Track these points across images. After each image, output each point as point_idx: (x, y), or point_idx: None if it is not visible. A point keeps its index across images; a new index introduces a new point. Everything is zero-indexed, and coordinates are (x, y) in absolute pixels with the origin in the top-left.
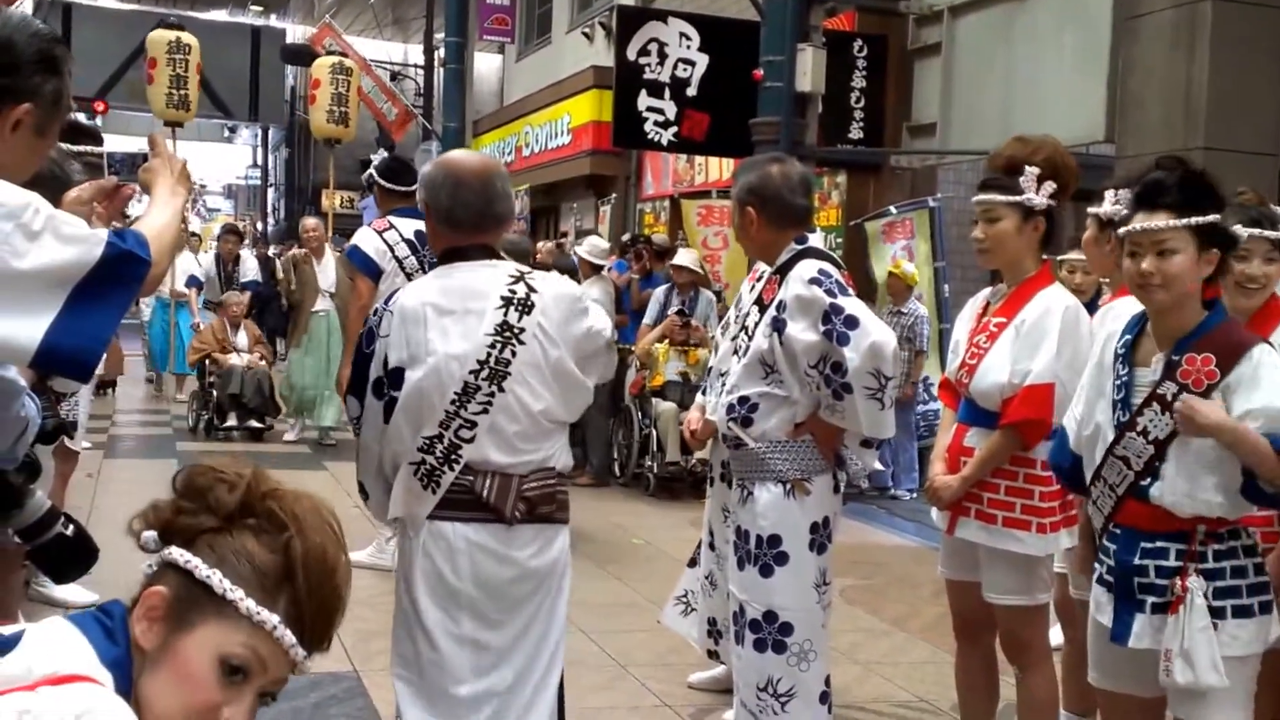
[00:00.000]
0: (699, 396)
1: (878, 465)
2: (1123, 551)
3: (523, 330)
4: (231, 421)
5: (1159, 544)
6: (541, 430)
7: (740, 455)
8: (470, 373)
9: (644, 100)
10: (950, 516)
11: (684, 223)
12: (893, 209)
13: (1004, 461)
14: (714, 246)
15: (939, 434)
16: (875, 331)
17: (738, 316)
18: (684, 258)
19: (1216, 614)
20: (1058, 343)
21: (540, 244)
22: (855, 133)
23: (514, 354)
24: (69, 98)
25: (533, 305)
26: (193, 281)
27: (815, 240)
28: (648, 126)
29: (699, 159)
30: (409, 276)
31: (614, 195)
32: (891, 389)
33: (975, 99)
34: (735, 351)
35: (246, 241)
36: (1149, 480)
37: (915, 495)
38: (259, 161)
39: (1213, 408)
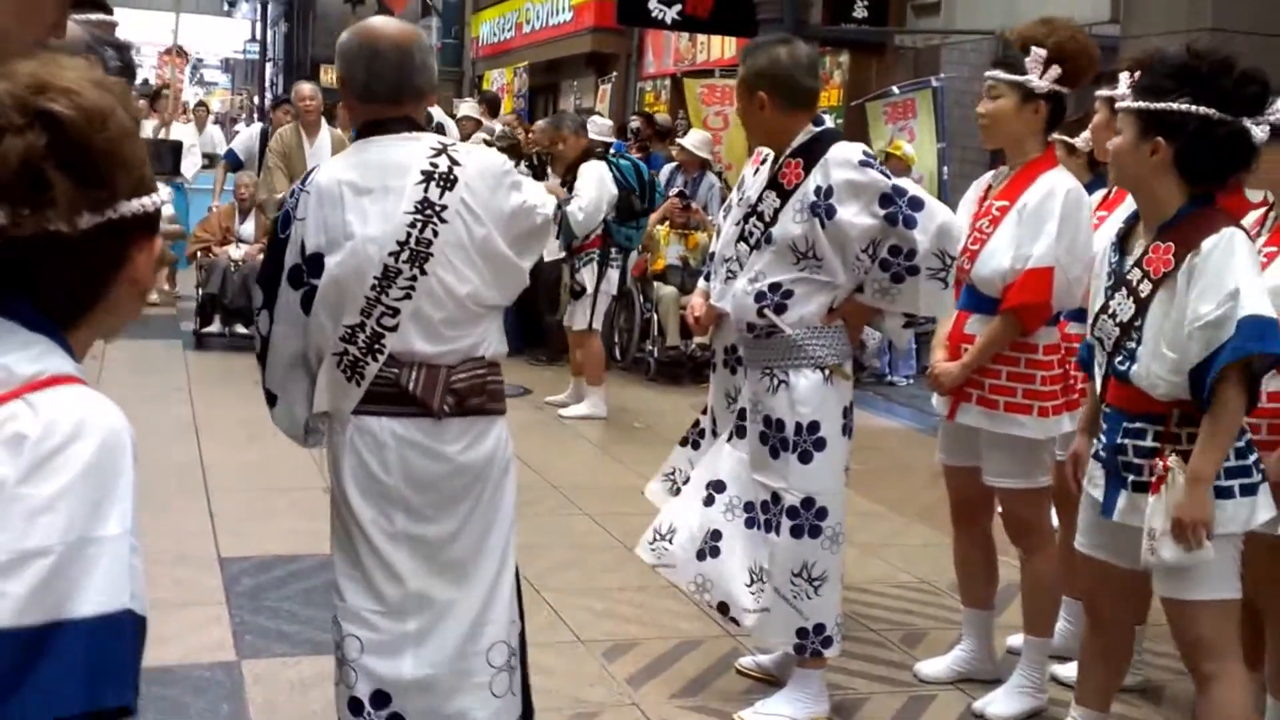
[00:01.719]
0: (701, 282)
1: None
2: (1110, 431)
3: (445, 208)
4: (215, 327)
5: (1138, 424)
6: (469, 315)
7: (770, 343)
8: (390, 255)
9: None
10: (951, 402)
11: (687, 102)
12: (895, 89)
13: (1004, 347)
14: (715, 126)
15: (939, 321)
16: (941, 213)
17: (741, 200)
18: (690, 140)
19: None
20: (1058, 226)
21: (538, 123)
22: (859, 11)
23: (435, 233)
24: None
25: (455, 180)
26: (230, 156)
27: (828, 123)
28: (652, 4)
29: (701, 37)
30: None
31: (615, 73)
32: (954, 268)
33: None
34: (743, 237)
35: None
36: (1125, 362)
37: (911, 380)
38: (257, 36)
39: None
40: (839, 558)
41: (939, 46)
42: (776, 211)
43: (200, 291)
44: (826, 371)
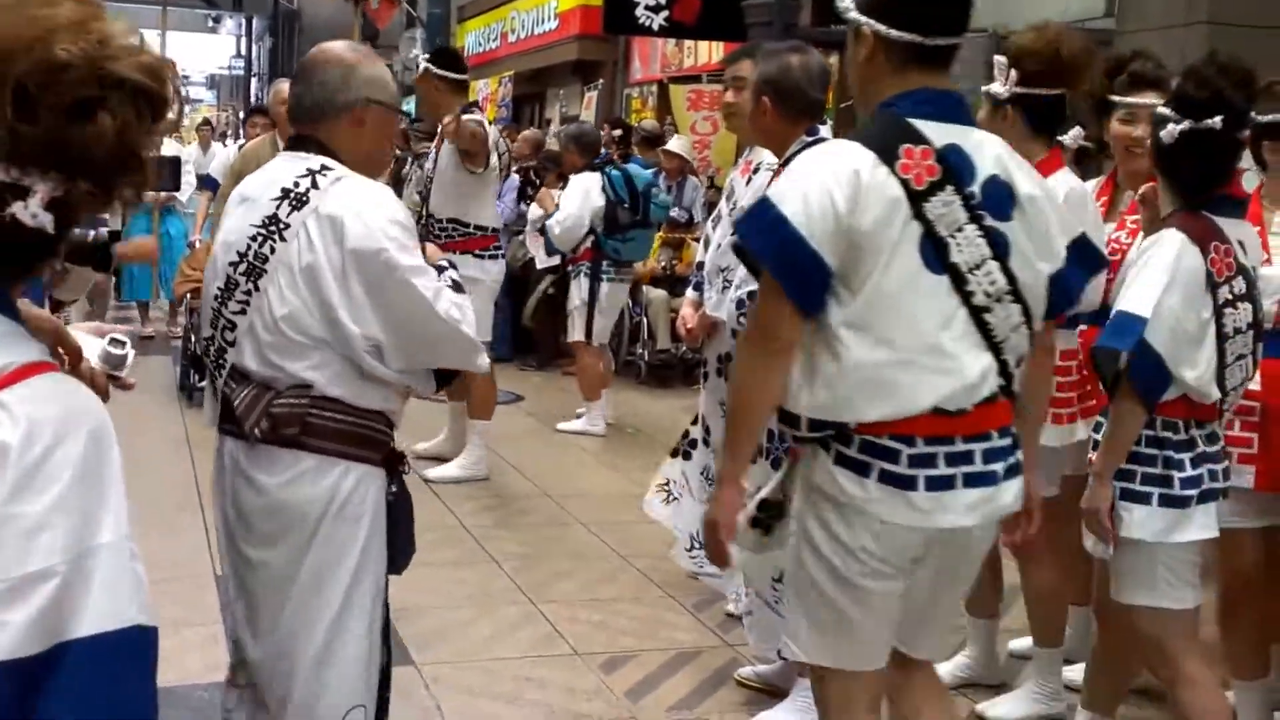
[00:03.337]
0: (690, 291)
1: None
2: None
3: (288, 226)
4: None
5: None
6: (290, 343)
7: None
8: (230, 264)
9: None
10: None
11: (673, 108)
12: None
13: None
14: (703, 132)
15: None
16: None
17: (733, 210)
18: (676, 144)
19: (1123, 495)
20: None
21: (525, 133)
22: None
23: (273, 250)
24: None
25: (306, 201)
26: (209, 183)
27: (825, 131)
28: (639, 11)
29: (688, 42)
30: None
31: (601, 81)
32: None
33: None
34: None
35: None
36: None
37: None
38: (243, 51)
39: None
40: None
41: None
42: None
43: (194, 338)
44: None
